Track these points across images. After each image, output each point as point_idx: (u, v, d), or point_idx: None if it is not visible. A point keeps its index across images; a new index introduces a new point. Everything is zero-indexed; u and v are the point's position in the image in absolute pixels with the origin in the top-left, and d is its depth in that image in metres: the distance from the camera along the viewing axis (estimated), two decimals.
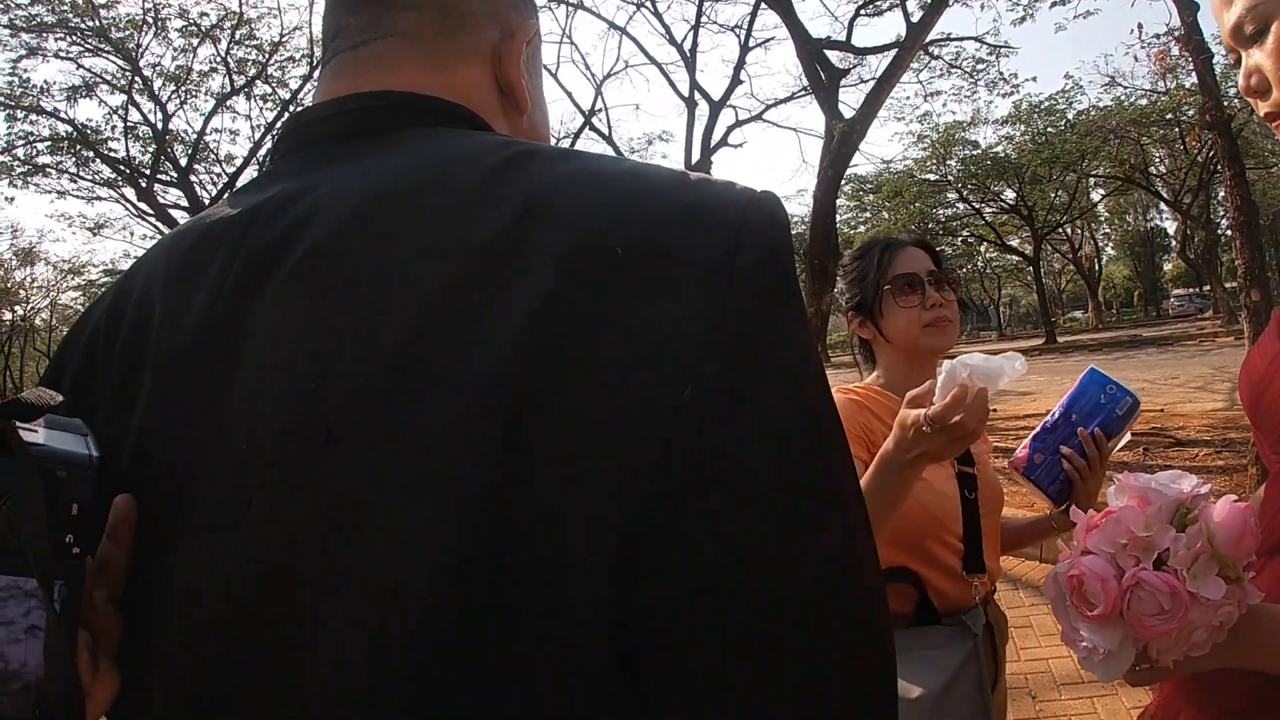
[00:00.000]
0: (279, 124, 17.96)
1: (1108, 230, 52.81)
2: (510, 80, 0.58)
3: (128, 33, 14.77)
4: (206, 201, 16.26)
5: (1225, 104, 5.56)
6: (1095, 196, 38.82)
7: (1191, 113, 24.92)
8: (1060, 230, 37.96)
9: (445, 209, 0.43)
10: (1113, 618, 0.76)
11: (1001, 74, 16.99)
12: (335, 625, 0.38)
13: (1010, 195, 32.51)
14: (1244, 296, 4.86)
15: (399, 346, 0.39)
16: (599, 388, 0.38)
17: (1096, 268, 47.40)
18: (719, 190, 0.44)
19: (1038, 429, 1.27)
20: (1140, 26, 31.03)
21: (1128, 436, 1.25)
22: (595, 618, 0.36)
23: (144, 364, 0.46)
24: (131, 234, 22.31)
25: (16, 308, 35.88)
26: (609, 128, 23.97)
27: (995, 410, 10.69)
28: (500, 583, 0.36)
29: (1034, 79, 52.52)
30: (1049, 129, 27.34)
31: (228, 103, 16.91)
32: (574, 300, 0.39)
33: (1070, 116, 26.89)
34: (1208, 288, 40.25)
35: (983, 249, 41.25)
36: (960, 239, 39.32)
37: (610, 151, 21.52)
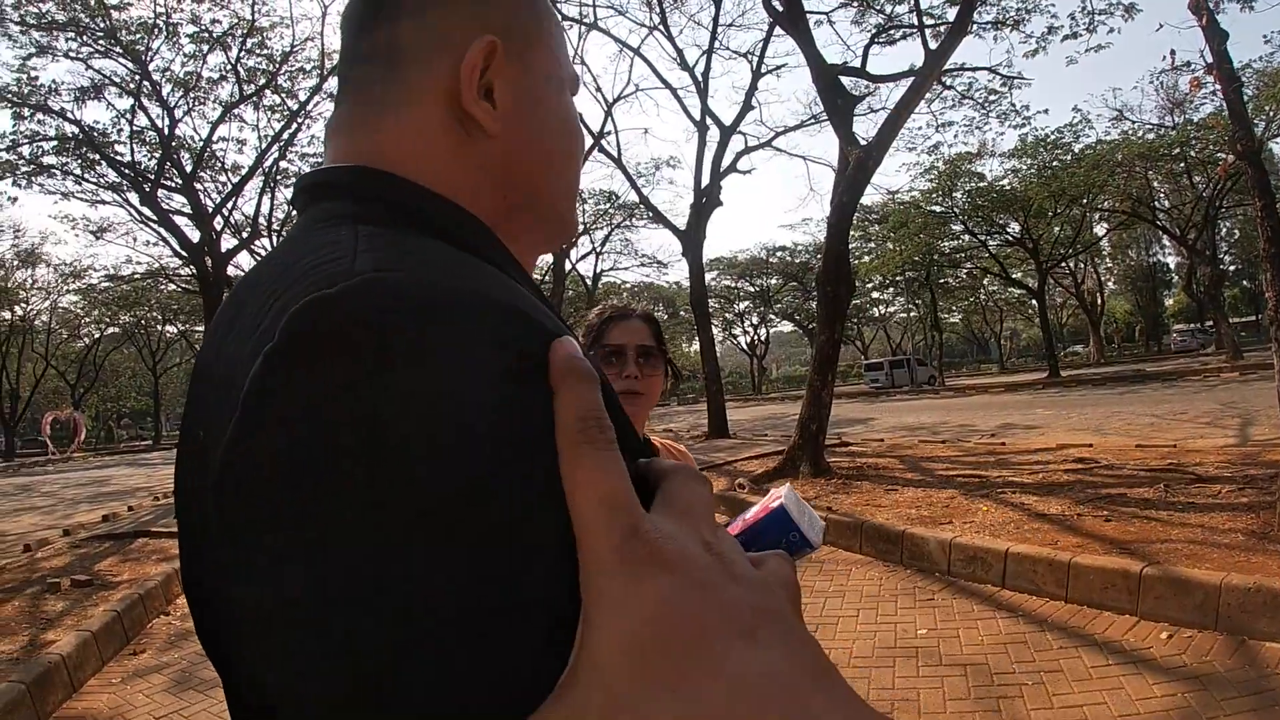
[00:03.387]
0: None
1: (1110, 265, 52.88)
2: (466, 106, 0.52)
3: (138, 36, 14.70)
4: (210, 209, 16.17)
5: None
6: (1099, 231, 38.82)
7: (1198, 148, 24.95)
8: (1064, 264, 37.92)
9: (244, 312, 0.44)
10: None
11: (1013, 105, 17.03)
12: None
13: (1015, 228, 32.46)
14: (1274, 329, 4.73)
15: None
16: None
17: (1099, 302, 47.36)
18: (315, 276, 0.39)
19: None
20: (1173, 53, 31.44)
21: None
22: None
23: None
24: (134, 239, 22.10)
25: (16, 308, 35.70)
26: (619, 150, 24.05)
27: (1004, 444, 10.71)
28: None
29: (1045, 111, 53.07)
30: (1055, 162, 27.28)
31: (235, 111, 16.93)
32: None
33: (1076, 150, 26.84)
34: (1210, 323, 40.25)
35: (986, 281, 41.11)
36: (965, 271, 39.25)
37: (619, 174, 21.35)
